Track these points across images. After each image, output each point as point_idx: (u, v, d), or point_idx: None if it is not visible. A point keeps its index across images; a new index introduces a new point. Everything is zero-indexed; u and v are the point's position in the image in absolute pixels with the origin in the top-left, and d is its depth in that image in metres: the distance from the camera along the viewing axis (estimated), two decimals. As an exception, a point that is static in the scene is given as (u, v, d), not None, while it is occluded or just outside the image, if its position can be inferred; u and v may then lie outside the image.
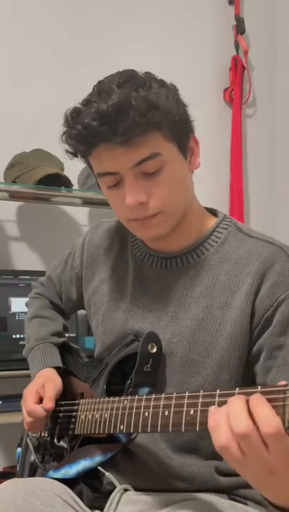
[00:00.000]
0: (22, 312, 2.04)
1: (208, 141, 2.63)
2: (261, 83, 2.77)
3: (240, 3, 2.70)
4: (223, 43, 2.68)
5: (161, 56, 2.51)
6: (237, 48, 2.69)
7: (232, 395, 0.70)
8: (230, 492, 1.02)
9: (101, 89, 0.94)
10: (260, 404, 0.67)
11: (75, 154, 1.00)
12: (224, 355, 0.99)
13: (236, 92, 2.67)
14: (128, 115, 0.90)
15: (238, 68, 2.67)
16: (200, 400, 0.76)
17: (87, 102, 0.94)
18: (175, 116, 0.96)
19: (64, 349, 1.27)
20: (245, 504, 1.02)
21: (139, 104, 0.90)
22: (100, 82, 0.97)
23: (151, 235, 1.04)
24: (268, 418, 0.66)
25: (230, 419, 0.68)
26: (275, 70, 2.81)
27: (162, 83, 0.98)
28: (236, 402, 0.68)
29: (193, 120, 1.04)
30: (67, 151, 1.00)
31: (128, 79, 0.94)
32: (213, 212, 1.12)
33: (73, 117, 0.94)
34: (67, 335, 1.33)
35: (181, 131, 0.99)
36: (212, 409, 0.71)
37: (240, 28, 2.67)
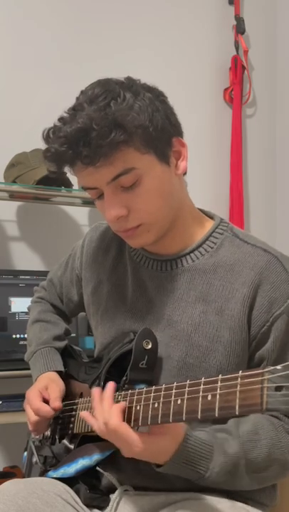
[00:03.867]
0: (22, 312, 2.04)
1: (208, 141, 2.65)
2: (261, 83, 2.77)
3: (240, 3, 2.70)
4: (223, 43, 2.68)
5: (161, 56, 2.51)
6: (237, 47, 2.69)
7: (216, 382, 0.76)
8: (230, 492, 1.01)
9: (75, 104, 0.96)
10: (114, 406, 0.89)
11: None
12: (223, 361, 1.00)
13: (236, 92, 2.66)
14: (91, 139, 0.90)
15: (238, 68, 2.67)
16: (186, 388, 0.80)
17: (62, 120, 0.96)
18: (149, 127, 0.94)
19: (66, 352, 1.27)
20: (245, 504, 1.02)
21: (101, 126, 0.90)
22: (80, 93, 0.98)
23: (138, 244, 1.05)
24: (110, 419, 0.88)
25: (100, 410, 0.91)
26: (275, 70, 2.81)
27: (137, 92, 0.95)
28: (106, 400, 0.91)
29: (179, 123, 1.02)
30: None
31: (101, 92, 0.94)
32: (210, 215, 1.12)
33: (48, 139, 0.97)
34: (67, 335, 1.33)
35: (158, 140, 0.97)
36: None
37: (240, 28, 2.67)
